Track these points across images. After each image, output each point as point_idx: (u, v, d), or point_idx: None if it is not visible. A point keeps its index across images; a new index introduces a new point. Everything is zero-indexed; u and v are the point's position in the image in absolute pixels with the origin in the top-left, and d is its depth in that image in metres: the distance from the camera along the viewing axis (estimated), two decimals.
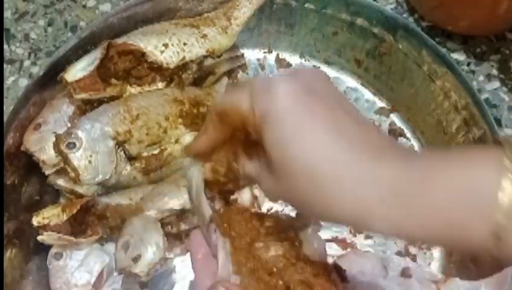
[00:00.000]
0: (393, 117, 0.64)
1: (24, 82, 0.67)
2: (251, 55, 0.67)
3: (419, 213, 0.28)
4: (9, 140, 0.53)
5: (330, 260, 0.55)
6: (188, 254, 0.44)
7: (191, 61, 0.57)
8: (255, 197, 0.57)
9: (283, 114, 0.30)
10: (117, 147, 0.52)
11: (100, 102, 0.54)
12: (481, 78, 0.67)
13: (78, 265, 0.52)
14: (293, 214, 0.59)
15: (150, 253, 0.49)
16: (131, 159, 0.53)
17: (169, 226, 0.51)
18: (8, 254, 0.51)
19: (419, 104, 0.62)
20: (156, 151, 0.54)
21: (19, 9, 0.72)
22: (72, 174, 0.50)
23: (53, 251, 0.53)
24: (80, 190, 0.53)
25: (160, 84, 0.57)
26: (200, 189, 0.38)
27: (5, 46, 0.69)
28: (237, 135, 0.35)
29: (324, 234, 0.58)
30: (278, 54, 0.67)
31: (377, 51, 0.62)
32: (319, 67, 0.66)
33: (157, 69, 0.56)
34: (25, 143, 0.54)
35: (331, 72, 0.66)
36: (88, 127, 0.51)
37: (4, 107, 0.64)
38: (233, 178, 0.38)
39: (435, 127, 0.60)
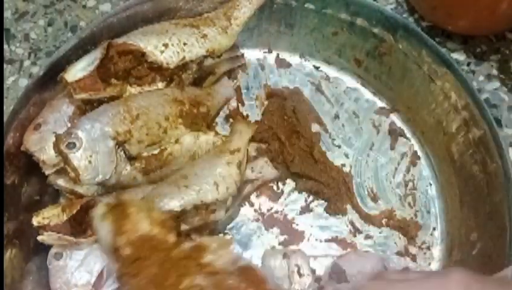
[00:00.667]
0: (393, 117, 0.64)
1: (24, 82, 0.67)
2: (251, 55, 0.67)
3: None
4: (9, 140, 0.53)
5: (330, 260, 0.55)
6: None
7: (191, 61, 0.57)
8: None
9: None
10: (117, 147, 0.52)
11: (100, 102, 0.54)
12: (481, 78, 0.67)
13: (78, 265, 0.52)
14: (292, 214, 0.60)
15: None
16: (131, 159, 0.53)
17: None
18: (8, 254, 0.51)
19: (419, 104, 0.62)
20: (156, 151, 0.54)
21: (19, 9, 0.72)
22: (72, 174, 0.50)
23: (53, 251, 0.53)
24: (80, 190, 0.53)
25: (160, 84, 0.57)
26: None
27: (5, 46, 0.69)
28: None
29: (324, 234, 0.58)
30: (278, 54, 0.67)
31: (377, 51, 0.62)
32: (319, 67, 0.66)
33: (157, 69, 0.56)
34: (25, 143, 0.54)
35: (331, 72, 0.66)
36: (88, 127, 0.51)
37: (4, 107, 0.64)
38: None
39: (434, 127, 0.60)
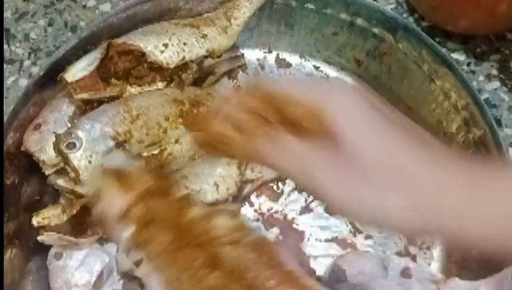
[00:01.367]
0: None
1: (24, 82, 0.67)
2: (251, 55, 0.67)
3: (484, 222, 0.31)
4: (9, 140, 0.53)
5: (330, 260, 0.55)
6: None
7: (191, 61, 0.57)
8: None
9: (362, 126, 0.33)
10: (117, 147, 0.52)
11: (100, 102, 0.54)
12: (481, 78, 0.67)
13: (78, 265, 0.52)
14: (292, 214, 0.60)
15: None
16: None
17: None
18: (8, 254, 0.51)
19: (419, 104, 0.62)
20: (156, 151, 0.54)
21: (19, 9, 0.72)
22: (72, 174, 0.50)
23: (53, 251, 0.53)
24: (80, 190, 0.53)
25: (160, 84, 0.57)
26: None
27: (5, 46, 0.69)
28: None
29: (324, 234, 0.58)
30: (278, 54, 0.67)
31: (377, 51, 0.62)
32: (319, 67, 0.66)
33: (157, 69, 0.56)
34: (25, 143, 0.54)
35: (331, 72, 0.66)
36: (88, 127, 0.51)
37: (4, 107, 0.64)
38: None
39: (435, 127, 0.60)
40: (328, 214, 0.59)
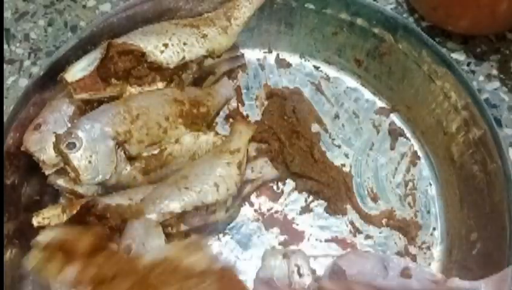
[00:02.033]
0: (393, 117, 0.64)
1: (24, 82, 0.67)
2: (251, 55, 0.67)
3: None
4: (9, 140, 0.53)
5: (330, 260, 0.55)
6: None
7: (191, 61, 0.57)
8: None
9: None
10: (117, 147, 0.52)
11: (100, 102, 0.54)
12: (481, 78, 0.67)
13: None
14: (292, 214, 0.60)
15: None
16: (131, 159, 0.53)
17: (169, 227, 0.51)
18: (8, 254, 0.51)
19: (419, 104, 0.62)
20: (156, 151, 0.54)
21: (19, 9, 0.72)
22: (72, 174, 0.50)
23: None
24: (80, 190, 0.53)
25: (160, 84, 0.57)
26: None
27: (5, 46, 0.69)
28: None
29: (324, 234, 0.58)
30: (278, 54, 0.67)
31: (377, 51, 0.62)
32: (319, 67, 0.66)
33: (157, 69, 0.56)
34: (25, 143, 0.54)
35: (331, 72, 0.66)
36: (88, 127, 0.51)
37: (4, 107, 0.64)
38: None
39: (434, 127, 0.60)
40: (328, 214, 0.59)
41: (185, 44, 0.56)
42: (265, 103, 0.64)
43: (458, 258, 0.56)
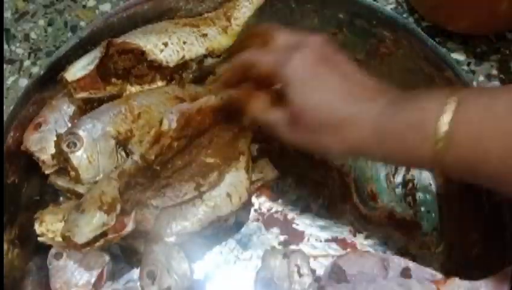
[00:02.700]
0: None
1: (24, 82, 0.67)
2: None
3: (384, 138, 0.40)
4: (9, 140, 0.53)
5: (330, 260, 0.55)
6: None
7: (191, 60, 0.57)
8: None
9: (303, 80, 0.43)
10: (118, 146, 0.52)
11: (100, 101, 0.54)
12: (481, 78, 0.67)
13: (78, 265, 0.52)
14: (292, 214, 0.60)
15: (180, 284, 0.49)
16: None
17: None
18: (9, 254, 0.51)
19: None
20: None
21: (19, 9, 0.72)
22: (73, 174, 0.50)
23: (53, 251, 0.53)
24: (80, 189, 0.53)
25: (160, 83, 0.57)
26: None
27: (5, 46, 0.70)
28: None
29: (324, 234, 0.58)
30: None
31: (377, 51, 0.62)
32: None
33: (157, 68, 0.56)
34: (25, 143, 0.54)
35: None
36: (89, 127, 0.51)
37: (4, 107, 0.64)
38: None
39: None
40: (328, 214, 0.59)
41: (184, 43, 0.56)
42: None
43: (458, 258, 0.56)
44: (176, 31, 0.57)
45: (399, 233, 0.59)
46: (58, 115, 0.55)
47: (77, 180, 0.51)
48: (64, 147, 0.50)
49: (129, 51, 0.54)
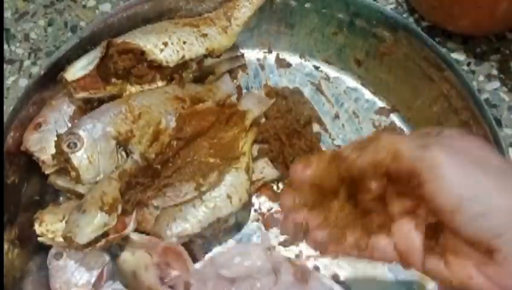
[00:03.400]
0: (393, 117, 0.64)
1: (24, 82, 0.67)
2: (251, 55, 0.67)
3: None
4: (10, 140, 0.53)
5: (330, 260, 0.55)
6: None
7: (191, 60, 0.57)
8: None
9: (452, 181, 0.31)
10: (118, 146, 0.52)
11: (100, 101, 0.54)
12: (481, 78, 0.67)
13: (78, 265, 0.52)
14: None
15: None
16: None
17: None
18: (9, 254, 0.51)
19: (419, 104, 0.62)
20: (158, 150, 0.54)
21: (19, 9, 0.72)
22: (73, 174, 0.50)
23: (53, 251, 0.53)
24: (80, 189, 0.53)
25: (160, 83, 0.57)
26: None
27: (5, 46, 0.69)
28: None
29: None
30: (278, 54, 0.67)
31: (377, 51, 0.62)
32: (319, 67, 0.66)
33: (157, 68, 0.56)
34: (25, 143, 0.54)
35: (331, 72, 0.66)
36: (90, 127, 0.51)
37: (4, 107, 0.64)
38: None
39: (435, 127, 0.60)
40: None
41: (184, 43, 0.56)
42: None
43: None
44: (176, 31, 0.57)
45: None
46: (58, 115, 0.55)
47: (77, 180, 0.50)
48: (64, 147, 0.50)
49: (129, 51, 0.54)
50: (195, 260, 0.55)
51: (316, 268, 0.56)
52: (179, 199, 0.52)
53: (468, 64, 0.68)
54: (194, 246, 0.55)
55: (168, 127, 0.53)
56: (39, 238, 0.51)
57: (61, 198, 0.58)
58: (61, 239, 0.49)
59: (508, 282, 0.31)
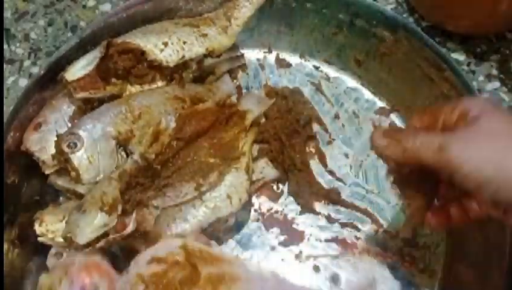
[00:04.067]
0: (393, 117, 0.64)
1: (24, 82, 0.67)
2: (251, 55, 0.67)
3: None
4: (9, 140, 0.53)
5: (330, 260, 0.55)
6: None
7: (191, 60, 0.57)
8: None
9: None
10: (118, 146, 0.52)
11: (100, 101, 0.54)
12: (481, 78, 0.67)
13: None
14: (292, 214, 0.60)
15: None
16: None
17: None
18: (9, 254, 0.51)
19: (419, 104, 0.62)
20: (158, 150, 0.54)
21: (19, 9, 0.72)
22: (73, 174, 0.50)
23: (53, 251, 0.53)
24: (80, 189, 0.53)
25: (160, 83, 0.57)
26: None
27: (5, 46, 0.69)
28: None
29: (324, 234, 0.58)
30: (278, 54, 0.67)
31: (377, 51, 0.62)
32: (319, 67, 0.66)
33: (157, 68, 0.56)
34: (25, 143, 0.54)
35: (331, 72, 0.66)
36: (90, 127, 0.51)
37: (4, 107, 0.64)
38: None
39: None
40: (328, 214, 0.59)
41: (184, 43, 0.56)
42: None
43: (458, 258, 0.56)
44: (176, 31, 0.57)
45: (399, 233, 0.59)
46: (58, 115, 0.55)
47: (77, 180, 0.51)
48: (64, 147, 0.50)
49: (129, 51, 0.54)
50: None
51: (316, 268, 0.56)
52: (179, 199, 0.52)
53: (468, 64, 0.68)
54: None
55: (168, 127, 0.53)
56: (39, 238, 0.51)
57: (61, 198, 0.58)
58: (61, 239, 0.49)
59: None
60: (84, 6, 0.73)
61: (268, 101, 0.61)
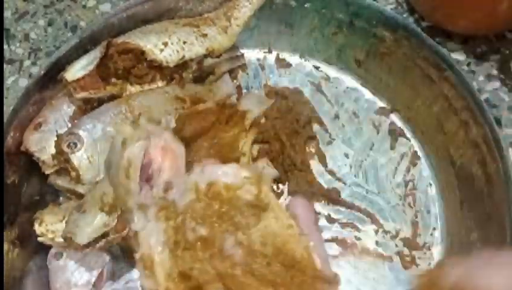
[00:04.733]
0: (393, 117, 0.64)
1: (24, 82, 0.67)
2: (251, 55, 0.67)
3: None
4: (9, 140, 0.53)
5: (330, 260, 0.55)
6: None
7: (191, 60, 0.57)
8: None
9: None
10: None
11: (100, 101, 0.54)
12: (481, 78, 0.67)
13: (78, 265, 0.52)
14: None
15: None
16: None
17: None
18: (9, 253, 0.51)
19: (419, 104, 0.62)
20: None
21: (19, 9, 0.72)
22: (73, 174, 0.50)
23: (53, 251, 0.53)
24: (80, 189, 0.53)
25: (160, 83, 0.57)
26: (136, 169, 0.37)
27: (5, 46, 0.69)
28: None
29: (324, 234, 0.58)
30: (278, 54, 0.67)
31: (377, 51, 0.62)
32: (319, 67, 0.66)
33: (157, 68, 0.56)
34: (25, 143, 0.54)
35: (331, 72, 0.66)
36: (90, 127, 0.51)
37: (4, 107, 0.64)
38: None
39: (434, 127, 0.60)
40: (328, 214, 0.59)
41: (184, 43, 0.56)
42: None
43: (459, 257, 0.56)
44: (176, 31, 0.57)
45: (399, 233, 0.59)
46: (58, 115, 0.55)
47: (77, 180, 0.51)
48: (64, 147, 0.50)
49: (129, 51, 0.54)
50: None
51: None
52: None
53: (468, 64, 0.68)
54: None
55: (168, 127, 0.53)
56: (39, 238, 0.51)
57: (61, 198, 0.58)
58: (61, 239, 0.50)
59: None
60: (84, 6, 0.73)
61: (268, 101, 0.61)
